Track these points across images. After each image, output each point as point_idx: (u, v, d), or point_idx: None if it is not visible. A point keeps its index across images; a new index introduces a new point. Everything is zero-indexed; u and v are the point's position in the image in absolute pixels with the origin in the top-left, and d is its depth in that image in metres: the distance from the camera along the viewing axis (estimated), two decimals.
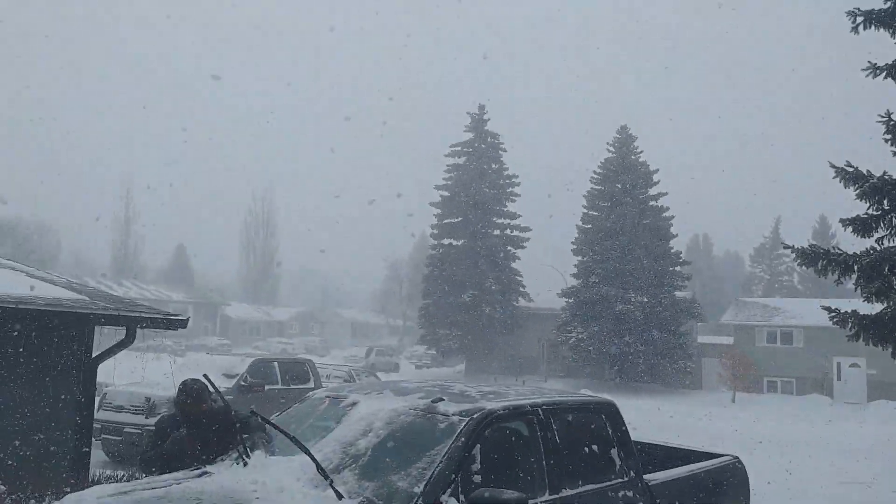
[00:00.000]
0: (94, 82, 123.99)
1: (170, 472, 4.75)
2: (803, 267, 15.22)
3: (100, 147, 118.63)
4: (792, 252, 14.64)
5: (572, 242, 43.93)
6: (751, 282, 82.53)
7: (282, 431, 4.51)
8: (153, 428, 6.07)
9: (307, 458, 4.17)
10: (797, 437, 21.23)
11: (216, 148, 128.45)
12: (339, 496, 3.97)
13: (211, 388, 5.27)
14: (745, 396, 36.67)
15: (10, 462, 7.70)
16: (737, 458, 6.85)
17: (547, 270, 49.73)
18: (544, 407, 5.05)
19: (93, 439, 9.27)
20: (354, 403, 4.95)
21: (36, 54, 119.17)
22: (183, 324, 8.72)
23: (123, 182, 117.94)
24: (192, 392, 5.43)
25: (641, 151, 43.66)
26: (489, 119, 48.39)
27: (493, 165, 47.90)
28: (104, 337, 10.65)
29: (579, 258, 43.20)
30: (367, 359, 50.09)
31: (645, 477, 5.53)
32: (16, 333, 7.79)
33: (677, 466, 6.32)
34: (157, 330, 9.42)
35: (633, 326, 38.97)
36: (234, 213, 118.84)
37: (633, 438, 5.73)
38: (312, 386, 15.51)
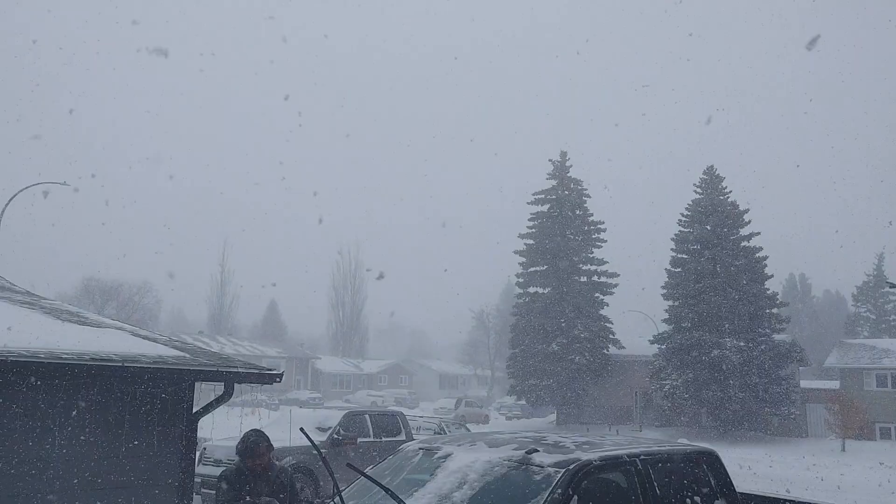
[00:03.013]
0: (190, 148, 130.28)
1: None
2: None
3: (197, 209, 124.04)
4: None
5: (662, 287, 42.93)
6: (855, 322, 78.42)
7: (377, 484, 4.52)
8: (218, 480, 6.18)
9: None
10: None
11: (305, 207, 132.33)
12: None
13: (308, 442, 5.35)
14: (856, 444, 34.60)
15: None
16: None
17: (637, 317, 48.70)
18: (642, 457, 4.90)
19: (193, 494, 9.51)
20: (448, 455, 4.92)
21: (127, 119, 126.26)
22: (278, 378, 8.92)
23: (219, 243, 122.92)
24: (248, 444, 5.61)
25: (730, 191, 42.65)
26: (571, 165, 48.32)
27: (577, 212, 47.57)
28: (201, 392, 10.99)
29: (670, 303, 42.12)
30: (457, 410, 49.82)
31: None
32: (121, 390, 8.13)
33: None
34: (253, 385, 9.67)
35: (731, 372, 37.53)
36: (322, 270, 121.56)
37: (739, 490, 5.48)
38: (403, 438, 15.52)
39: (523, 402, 48.15)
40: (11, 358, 6.89)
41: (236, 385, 8.95)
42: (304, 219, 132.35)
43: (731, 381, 37.47)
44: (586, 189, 48.09)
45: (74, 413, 7.85)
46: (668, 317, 41.81)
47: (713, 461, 5.42)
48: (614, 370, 44.94)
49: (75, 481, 7.77)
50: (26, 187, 29.48)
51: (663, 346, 40.96)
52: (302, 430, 5.30)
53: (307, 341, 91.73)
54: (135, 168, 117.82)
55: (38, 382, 7.57)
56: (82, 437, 7.88)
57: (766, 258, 41.04)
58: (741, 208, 42.08)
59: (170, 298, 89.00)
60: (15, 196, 28.58)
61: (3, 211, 27.74)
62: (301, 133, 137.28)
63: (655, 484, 4.80)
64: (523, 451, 4.73)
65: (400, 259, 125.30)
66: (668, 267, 42.94)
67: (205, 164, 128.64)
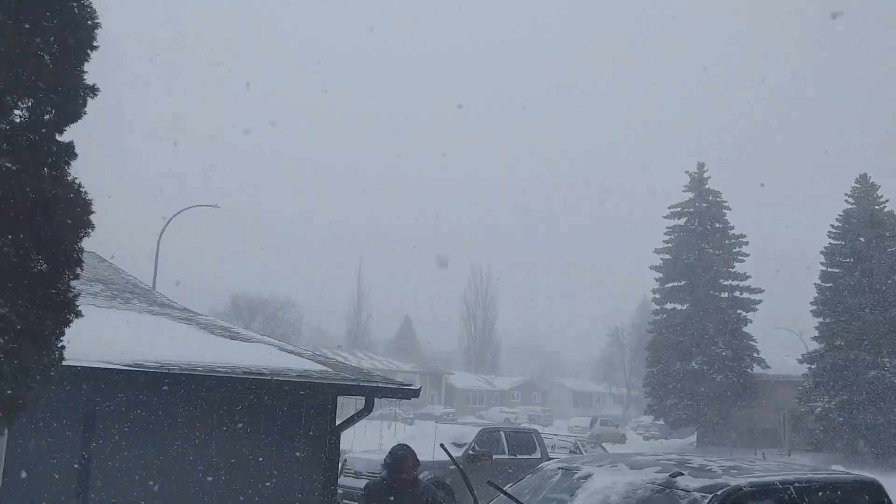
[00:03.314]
0: (330, 167, 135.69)
1: None
2: None
3: (335, 227, 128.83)
4: None
5: (811, 303, 40.49)
6: None
7: (517, 502, 4.53)
8: (363, 491, 6.38)
9: None
10: None
11: (439, 223, 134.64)
12: None
13: (446, 457, 5.43)
14: None
15: None
16: None
17: (783, 334, 46.15)
18: (796, 484, 4.65)
19: None
20: (588, 476, 4.86)
21: (273, 143, 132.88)
22: (416, 393, 9.12)
23: (355, 260, 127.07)
24: (396, 458, 5.72)
25: (887, 201, 39.78)
26: (710, 177, 46.64)
27: (717, 225, 45.79)
28: (341, 407, 11.35)
29: (820, 320, 39.63)
30: (592, 429, 48.89)
31: None
32: (270, 403, 8.55)
33: None
34: (391, 399, 9.92)
35: (890, 395, 34.83)
36: (456, 286, 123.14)
37: None
38: (539, 456, 15.39)
39: (661, 422, 46.66)
40: (174, 370, 7.41)
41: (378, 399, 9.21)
42: (435, 235, 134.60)
43: (891, 405, 34.75)
44: (726, 201, 46.27)
45: (230, 423, 8.33)
46: (818, 334, 39.36)
47: (876, 492, 5.05)
48: (759, 390, 42.74)
49: (233, 487, 8.24)
50: (182, 210, 31.70)
51: (814, 366, 38.54)
52: (442, 446, 5.40)
53: (439, 356, 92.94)
54: (273, 189, 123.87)
55: (197, 393, 8.09)
56: (237, 446, 8.35)
57: None
58: None
59: (310, 314, 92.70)
60: (172, 218, 30.78)
61: (161, 233, 29.94)
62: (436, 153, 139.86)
63: None
64: (667, 474, 4.59)
65: (531, 275, 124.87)
66: (818, 282, 40.47)
67: (332, 185, 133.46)
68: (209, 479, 8.11)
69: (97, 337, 7.16)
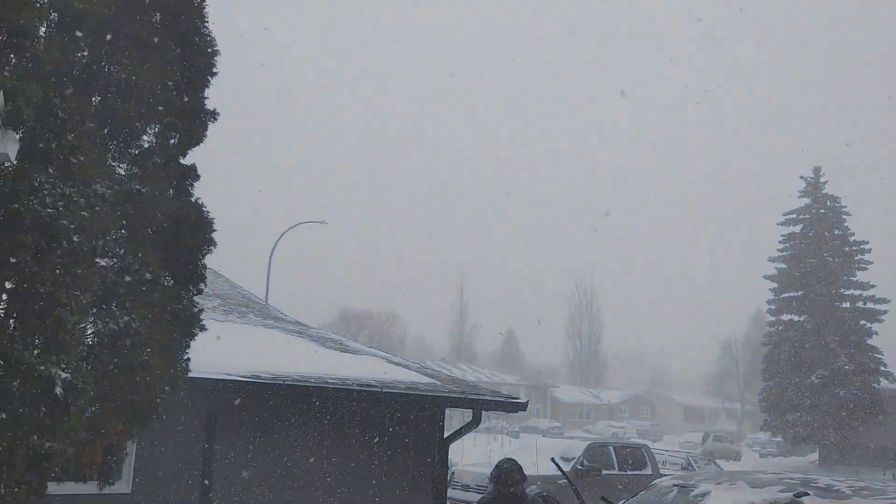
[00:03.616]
0: (435, 178, 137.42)
1: None
2: None
3: (437, 239, 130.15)
4: None
5: None
6: None
7: None
8: None
9: None
10: None
11: (541, 236, 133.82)
12: None
13: (557, 471, 5.39)
14: None
15: None
16: None
17: None
18: None
19: None
20: (706, 494, 4.71)
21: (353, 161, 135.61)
22: (523, 407, 9.08)
23: (457, 274, 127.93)
24: (502, 471, 5.71)
25: None
26: (826, 182, 44.44)
27: (836, 231, 43.57)
28: (449, 420, 11.42)
29: None
30: (704, 445, 47.21)
31: None
32: (380, 414, 8.71)
33: None
34: (497, 412, 9.91)
35: None
36: (560, 297, 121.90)
37: None
38: (650, 472, 15.00)
39: (779, 438, 44.65)
40: (288, 382, 7.66)
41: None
42: (543, 247, 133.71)
43: None
44: (845, 207, 43.96)
45: (342, 433, 8.53)
46: None
47: None
48: (888, 406, 40.21)
49: (345, 494, 8.43)
50: (292, 227, 32.82)
51: None
52: (553, 460, 5.35)
53: (545, 370, 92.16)
54: (375, 203, 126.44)
55: (310, 403, 8.33)
56: (348, 455, 8.54)
57: None
58: None
59: (414, 327, 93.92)
60: (283, 235, 31.91)
61: (273, 249, 31.06)
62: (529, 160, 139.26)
63: None
64: (791, 494, 4.39)
65: (638, 287, 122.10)
66: None
67: (444, 198, 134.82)
68: (322, 485, 8.32)
69: (217, 349, 7.50)
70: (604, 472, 14.55)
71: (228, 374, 7.36)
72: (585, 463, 14.52)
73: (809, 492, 4.40)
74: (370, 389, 8.18)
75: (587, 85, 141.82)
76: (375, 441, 8.75)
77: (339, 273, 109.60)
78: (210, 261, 5.46)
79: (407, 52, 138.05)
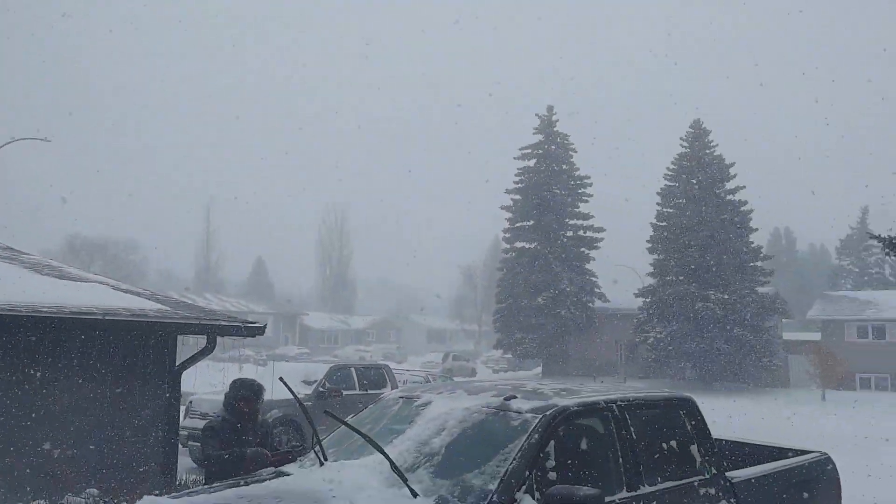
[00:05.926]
0: (174, 102, 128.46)
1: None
2: (893, 257, 14.48)
3: (181, 165, 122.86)
4: (879, 242, 13.93)
5: (647, 241, 43.13)
6: (838, 275, 79.21)
7: (357, 431, 4.56)
8: (201, 431, 6.23)
9: (382, 457, 4.20)
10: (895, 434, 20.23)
11: (291, 162, 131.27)
12: (414, 494, 3.99)
13: (289, 392, 5.37)
14: (836, 394, 35.22)
15: (101, 468, 8.03)
16: (827, 455, 6.56)
17: (622, 271, 48.94)
18: (619, 403, 4.95)
19: (179, 446, 9.59)
20: (427, 403, 4.96)
21: (117, 72, 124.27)
22: (260, 331, 8.93)
23: (204, 200, 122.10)
24: (237, 392, 5.68)
25: (716, 145, 42.60)
26: (558, 120, 48.06)
27: (564, 166, 47.51)
28: (186, 348, 10.99)
29: (655, 256, 42.38)
30: (444, 364, 50.25)
31: (728, 474, 5.37)
32: (104, 343, 8.12)
33: (762, 464, 6.10)
34: (237, 338, 9.68)
35: (714, 324, 37.99)
36: (309, 226, 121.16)
37: (716, 436, 5.56)
38: (389, 390, 15.65)
39: (510, 355, 48.62)
40: None
41: (222, 341, 8.95)
42: (293, 174, 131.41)
43: (715, 334, 37.94)
44: (573, 144, 47.96)
45: (63, 366, 7.85)
46: (653, 270, 42.11)
47: (690, 407, 5.48)
48: (600, 323, 45.37)
49: (73, 429, 7.82)
50: (6, 143, 29.07)
51: (648, 300, 41.33)
52: (281, 379, 5.31)
53: (295, 298, 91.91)
54: (119, 123, 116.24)
55: (21, 336, 7.54)
56: (72, 389, 7.90)
57: (751, 212, 41.20)
58: (727, 161, 42.10)
59: (157, 257, 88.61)
60: None
61: None
62: (291, 90, 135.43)
63: (632, 429, 4.85)
64: (501, 398, 4.76)
65: (386, 216, 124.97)
66: (654, 221, 43.10)
67: (186, 122, 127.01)
68: (44, 424, 7.64)
69: None
70: (345, 392, 14.94)
71: None
72: (327, 385, 14.79)
73: (517, 395, 4.79)
74: (90, 317, 7.57)
75: None
76: (102, 372, 8.15)
77: (72, 201, 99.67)
78: None
79: None
